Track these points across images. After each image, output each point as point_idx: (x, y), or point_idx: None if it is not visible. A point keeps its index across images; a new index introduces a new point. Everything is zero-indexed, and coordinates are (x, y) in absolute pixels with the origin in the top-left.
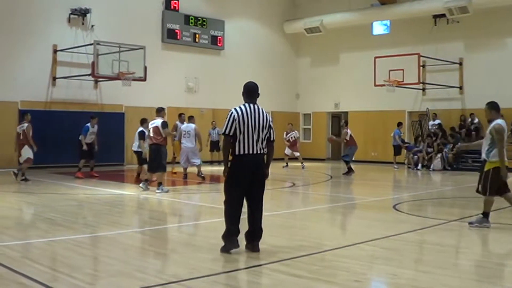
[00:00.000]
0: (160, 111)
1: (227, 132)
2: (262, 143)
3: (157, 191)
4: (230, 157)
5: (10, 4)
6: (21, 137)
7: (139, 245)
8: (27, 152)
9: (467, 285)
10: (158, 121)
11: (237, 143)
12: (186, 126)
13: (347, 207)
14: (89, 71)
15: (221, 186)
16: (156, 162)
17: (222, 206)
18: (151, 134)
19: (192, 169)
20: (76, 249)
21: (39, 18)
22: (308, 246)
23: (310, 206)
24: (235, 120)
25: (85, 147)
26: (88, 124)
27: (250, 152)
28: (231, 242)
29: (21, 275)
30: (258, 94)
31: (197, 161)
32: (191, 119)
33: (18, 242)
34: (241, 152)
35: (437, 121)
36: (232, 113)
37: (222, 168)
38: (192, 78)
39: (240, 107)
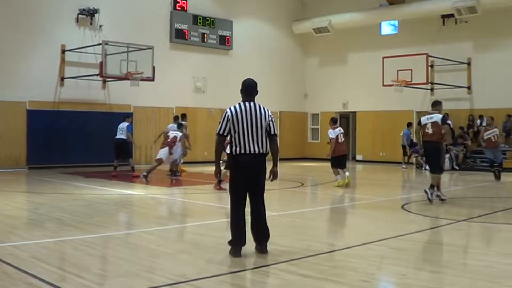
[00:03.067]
0: (438, 105)
1: (220, 132)
2: (261, 142)
3: (430, 192)
4: (225, 158)
5: (18, 4)
6: (169, 139)
7: (147, 245)
8: (162, 153)
9: (476, 285)
10: (438, 116)
11: (233, 143)
12: (171, 126)
13: (355, 207)
14: (97, 71)
15: (227, 186)
16: (435, 163)
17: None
18: (429, 131)
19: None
20: (84, 249)
21: (47, 18)
22: (316, 246)
23: (318, 206)
24: (229, 120)
25: (136, 145)
26: (130, 123)
27: (247, 151)
28: (235, 251)
29: (29, 275)
30: (257, 91)
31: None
32: (176, 119)
33: (26, 242)
34: (237, 152)
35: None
36: (226, 112)
37: (228, 168)
38: (200, 78)
39: (235, 106)
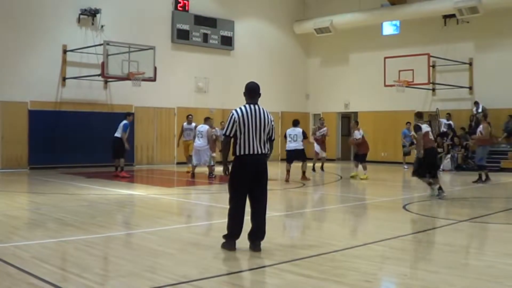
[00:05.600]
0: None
1: (227, 133)
2: (263, 144)
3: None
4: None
5: (20, 4)
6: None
7: (149, 245)
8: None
9: (477, 285)
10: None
11: (238, 144)
12: (200, 127)
13: (357, 208)
14: (98, 71)
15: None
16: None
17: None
18: (432, 138)
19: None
20: (86, 249)
21: (49, 18)
22: (318, 246)
23: (320, 206)
24: (236, 121)
25: (127, 146)
26: (127, 122)
27: (251, 152)
28: (229, 244)
29: (31, 275)
30: (260, 94)
31: (205, 161)
32: (206, 120)
33: (28, 242)
34: (242, 152)
35: (449, 121)
36: (232, 114)
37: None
38: (202, 78)
39: (240, 108)
